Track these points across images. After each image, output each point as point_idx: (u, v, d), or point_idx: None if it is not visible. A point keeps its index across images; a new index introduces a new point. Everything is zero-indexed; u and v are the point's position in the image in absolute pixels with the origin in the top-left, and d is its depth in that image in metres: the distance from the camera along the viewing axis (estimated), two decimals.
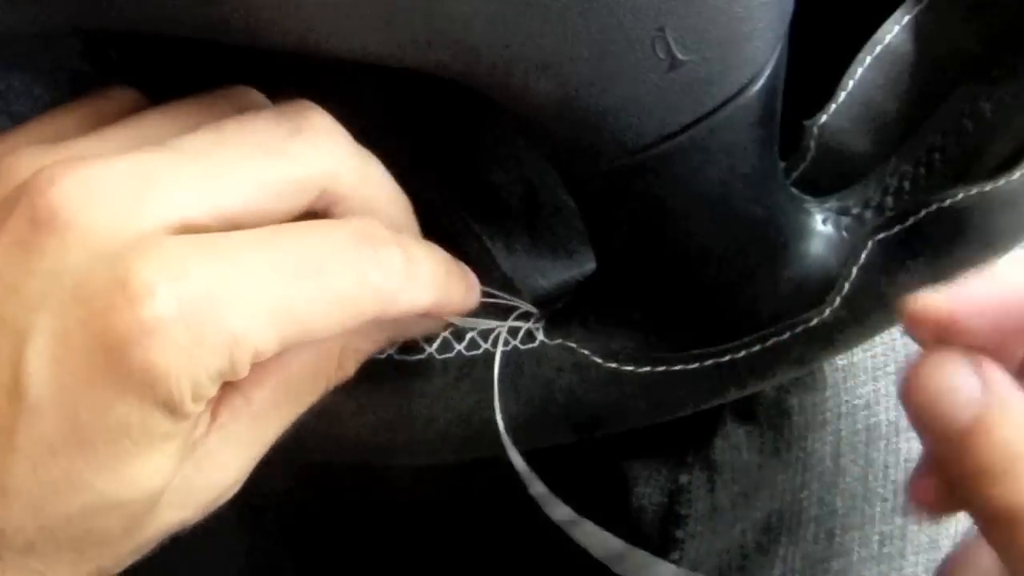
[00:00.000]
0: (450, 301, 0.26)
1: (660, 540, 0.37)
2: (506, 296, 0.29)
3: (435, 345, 0.28)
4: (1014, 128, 0.26)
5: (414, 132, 0.30)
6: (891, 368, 0.36)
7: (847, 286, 0.27)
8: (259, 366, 0.22)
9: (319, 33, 0.22)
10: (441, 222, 0.28)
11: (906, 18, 0.28)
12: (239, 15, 0.21)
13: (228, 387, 0.23)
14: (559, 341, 0.29)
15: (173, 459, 0.21)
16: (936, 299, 0.19)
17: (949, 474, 0.20)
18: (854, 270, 0.27)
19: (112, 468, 0.20)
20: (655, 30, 0.23)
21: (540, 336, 0.29)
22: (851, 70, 0.28)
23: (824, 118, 0.28)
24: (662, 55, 0.23)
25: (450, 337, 0.29)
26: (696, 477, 0.37)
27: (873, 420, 0.36)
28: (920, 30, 0.28)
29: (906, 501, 0.21)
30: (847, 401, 0.36)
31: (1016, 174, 0.25)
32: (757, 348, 0.28)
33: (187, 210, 0.21)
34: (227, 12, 0.21)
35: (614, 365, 0.29)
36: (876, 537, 0.36)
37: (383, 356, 0.28)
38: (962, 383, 0.19)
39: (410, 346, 0.28)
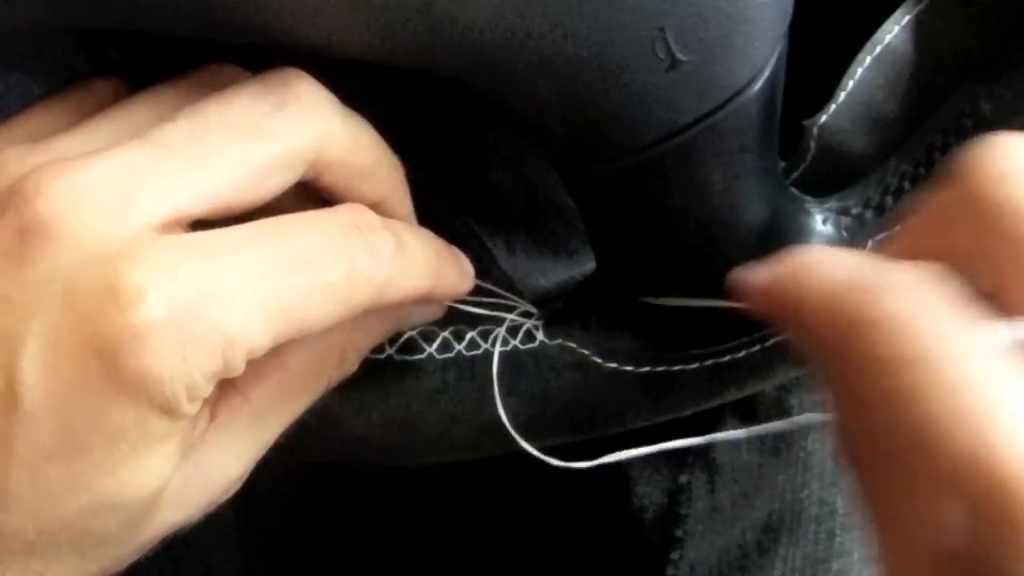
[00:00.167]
0: (444, 285, 0.26)
1: (660, 540, 0.37)
2: (506, 295, 0.29)
3: (435, 345, 0.29)
4: (1014, 128, 0.26)
5: (414, 132, 0.30)
6: None
7: None
8: (258, 364, 0.22)
9: (320, 33, 0.22)
10: (441, 222, 0.28)
11: (906, 18, 0.28)
12: (239, 14, 0.21)
13: (227, 386, 0.23)
14: (559, 341, 0.29)
15: (171, 459, 0.21)
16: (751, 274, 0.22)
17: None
18: None
19: (110, 471, 0.20)
20: (655, 30, 0.23)
21: (540, 336, 0.29)
22: (851, 70, 0.28)
23: (824, 118, 0.28)
24: (662, 55, 0.23)
25: (450, 337, 0.29)
26: (696, 477, 0.37)
27: None
28: (920, 30, 0.28)
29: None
30: None
31: None
32: (757, 348, 0.28)
33: (175, 204, 0.21)
34: (227, 11, 0.21)
35: (614, 365, 0.29)
36: None
37: (383, 356, 0.28)
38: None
39: (410, 346, 0.28)
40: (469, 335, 0.29)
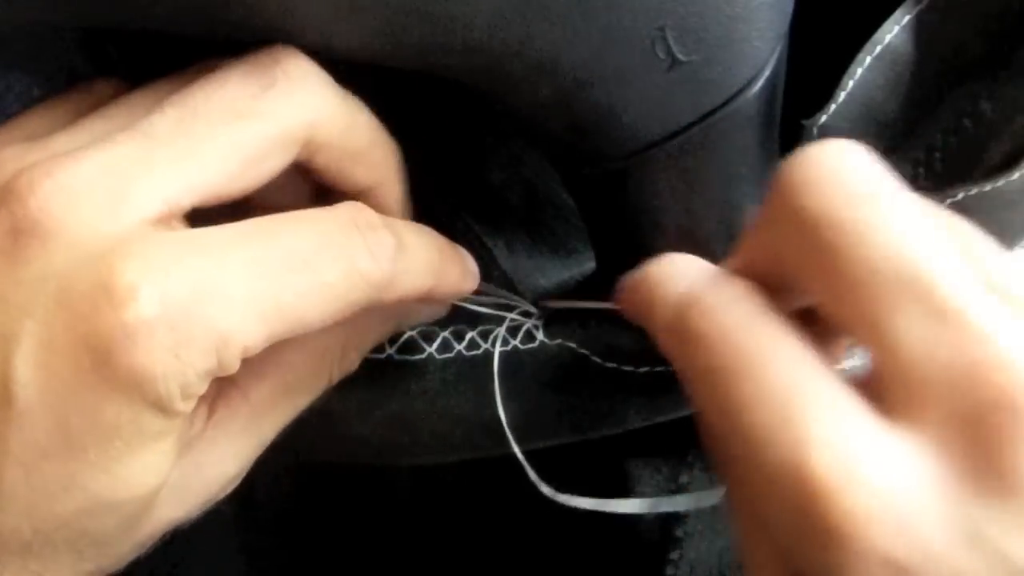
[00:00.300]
0: (446, 285, 0.26)
1: (660, 539, 0.37)
2: (506, 295, 0.29)
3: (435, 345, 0.29)
4: (1014, 128, 0.26)
5: (414, 132, 0.30)
6: None
7: None
8: (257, 362, 0.21)
9: (319, 33, 0.22)
10: (441, 222, 0.28)
11: (906, 18, 0.28)
12: (239, 13, 0.21)
13: (226, 382, 0.23)
14: (559, 341, 0.29)
15: (167, 457, 0.21)
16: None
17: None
18: None
19: (105, 470, 0.20)
20: (655, 30, 0.23)
21: (540, 336, 0.29)
22: (851, 70, 0.28)
23: (824, 118, 0.28)
24: (662, 55, 0.23)
25: (450, 337, 0.29)
26: (696, 476, 0.37)
27: None
28: (920, 30, 0.28)
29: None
30: None
31: (1016, 174, 0.25)
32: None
33: (166, 197, 0.21)
34: (227, 10, 0.21)
35: (614, 365, 0.29)
36: None
37: (383, 356, 0.28)
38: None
39: (410, 346, 0.28)
40: (469, 335, 0.29)
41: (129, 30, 0.23)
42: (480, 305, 0.29)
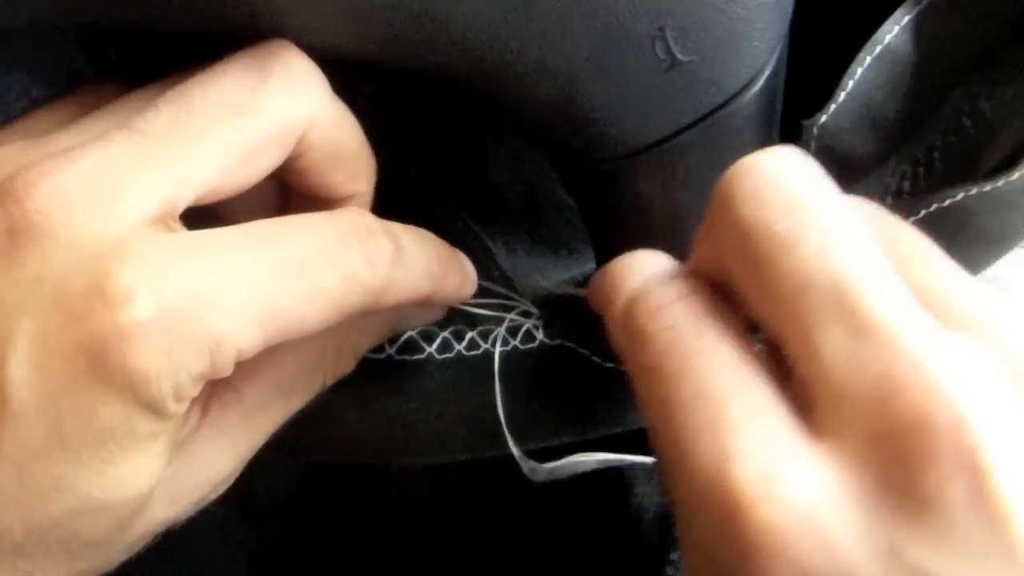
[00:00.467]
0: (444, 290, 0.26)
1: (660, 539, 0.37)
2: (507, 292, 0.29)
3: (435, 345, 0.28)
4: (1014, 128, 0.26)
5: (414, 132, 0.30)
6: None
7: None
8: (252, 362, 0.21)
9: (320, 32, 0.22)
10: (441, 222, 0.28)
11: (906, 18, 0.28)
12: (240, 13, 0.21)
13: (219, 383, 0.23)
14: (559, 341, 0.29)
15: (160, 459, 0.21)
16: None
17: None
18: None
19: (98, 471, 0.20)
20: (655, 30, 0.23)
21: (540, 336, 0.29)
22: (851, 70, 0.28)
23: (824, 118, 0.28)
24: (662, 55, 0.23)
25: (450, 337, 0.29)
26: None
27: None
28: (920, 30, 0.28)
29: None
30: None
31: (1016, 174, 0.25)
32: (756, 348, 0.28)
33: (162, 196, 0.21)
34: (228, 10, 0.21)
35: (614, 365, 0.29)
36: None
37: (383, 356, 0.28)
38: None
39: (410, 346, 0.28)
40: (469, 335, 0.29)
41: (129, 30, 0.23)
42: (480, 307, 0.29)
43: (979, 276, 0.28)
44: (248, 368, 0.23)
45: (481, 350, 0.29)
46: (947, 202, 0.26)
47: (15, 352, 0.19)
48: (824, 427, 0.18)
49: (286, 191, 0.26)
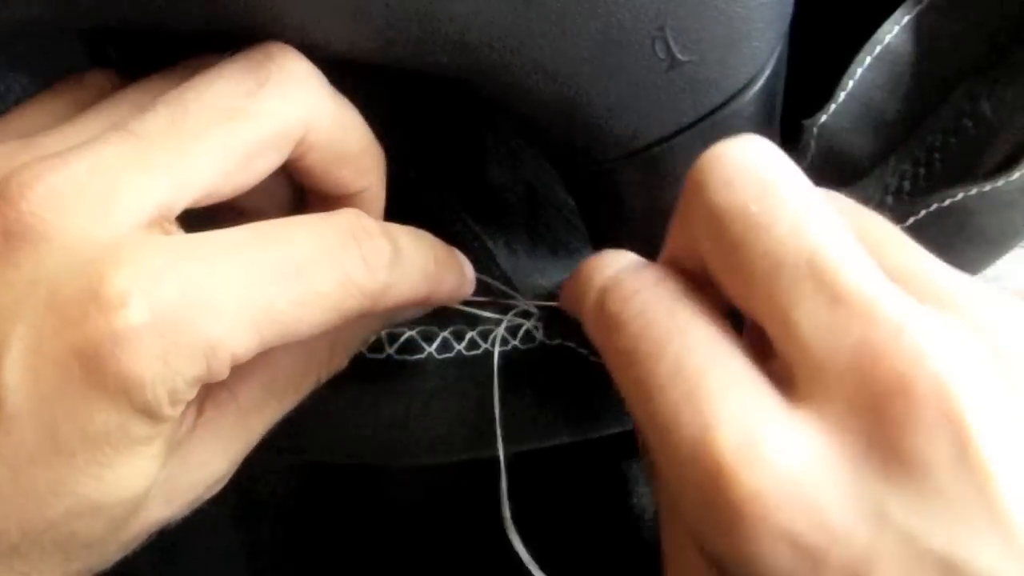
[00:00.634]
0: (442, 291, 0.25)
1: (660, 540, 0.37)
2: (507, 294, 0.29)
3: (435, 345, 0.28)
4: (1014, 128, 0.26)
5: (414, 132, 0.30)
6: None
7: None
8: (246, 363, 0.21)
9: (319, 32, 0.22)
10: (441, 222, 0.28)
11: (906, 18, 0.28)
12: (239, 12, 0.21)
13: (214, 383, 0.23)
14: (559, 341, 0.29)
15: (155, 461, 0.21)
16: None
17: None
18: None
19: (93, 474, 0.20)
20: (655, 30, 0.23)
21: (540, 336, 0.29)
22: (851, 70, 0.28)
23: (824, 118, 0.28)
24: (662, 55, 0.23)
25: (450, 337, 0.29)
26: None
27: None
28: (920, 30, 0.28)
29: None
30: None
31: (1016, 174, 0.25)
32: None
33: (158, 199, 0.21)
34: (228, 9, 0.21)
35: None
36: None
37: (383, 356, 0.28)
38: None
39: (410, 346, 0.28)
40: (469, 335, 0.29)
41: (129, 30, 0.23)
42: (479, 307, 0.29)
43: (979, 276, 0.28)
44: (243, 369, 0.23)
45: (481, 350, 0.29)
46: (947, 202, 0.26)
47: (10, 356, 0.19)
48: (805, 395, 0.18)
49: (301, 188, 0.25)
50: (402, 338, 0.28)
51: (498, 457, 0.28)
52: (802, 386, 0.18)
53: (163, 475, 0.22)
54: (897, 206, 0.28)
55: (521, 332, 0.29)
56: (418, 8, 0.21)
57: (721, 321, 0.20)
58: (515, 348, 0.29)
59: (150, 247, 0.20)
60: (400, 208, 0.27)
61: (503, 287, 0.29)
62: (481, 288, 0.28)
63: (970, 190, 0.25)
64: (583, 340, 0.29)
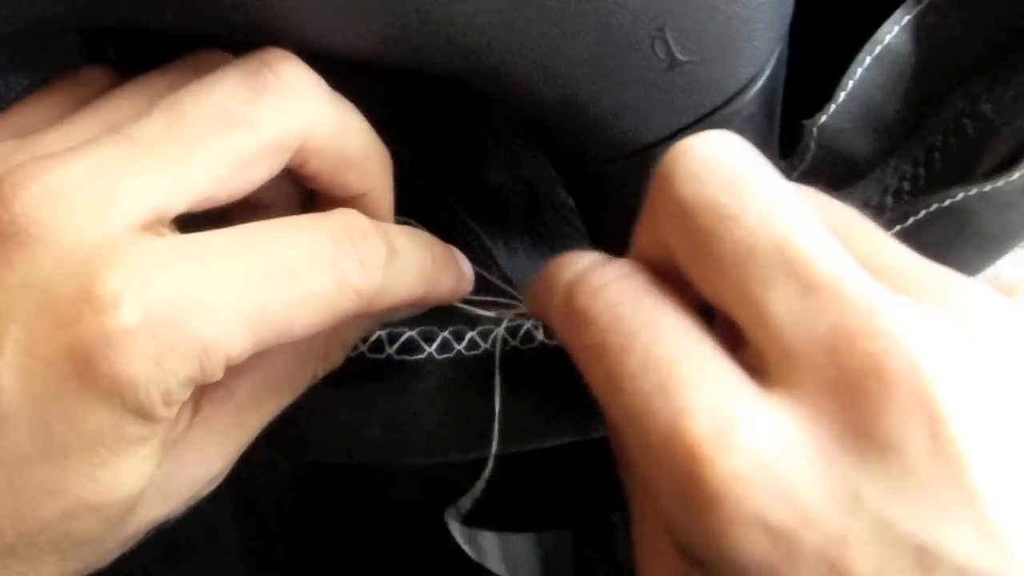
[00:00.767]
0: (439, 291, 0.25)
1: None
2: (507, 293, 0.29)
3: (435, 345, 0.28)
4: (1014, 128, 0.26)
5: (414, 132, 0.30)
6: None
7: None
8: (242, 361, 0.21)
9: (319, 32, 0.22)
10: (441, 222, 0.28)
11: (906, 18, 0.28)
12: (239, 12, 0.21)
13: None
14: (559, 341, 0.29)
15: (150, 460, 0.21)
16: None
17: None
18: None
19: (88, 475, 0.20)
20: (655, 30, 0.23)
21: (540, 336, 0.29)
22: (851, 70, 0.28)
23: (824, 118, 0.28)
24: (662, 55, 0.23)
25: (450, 337, 0.29)
26: None
27: None
28: (920, 30, 0.28)
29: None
30: None
31: (1016, 174, 0.25)
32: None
33: (153, 203, 0.20)
34: (227, 9, 0.21)
35: None
36: None
37: (383, 356, 0.28)
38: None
39: (410, 346, 0.28)
40: (469, 335, 0.29)
41: (129, 30, 0.23)
42: (479, 307, 0.29)
43: (979, 276, 0.28)
44: (238, 366, 0.23)
45: (481, 350, 0.29)
46: (947, 202, 0.26)
47: (3, 357, 0.19)
48: (778, 381, 0.18)
49: (310, 188, 0.25)
50: (402, 338, 0.28)
51: (497, 457, 0.28)
52: (775, 372, 0.18)
53: (159, 473, 0.22)
54: (897, 206, 0.28)
55: (521, 332, 0.29)
56: (418, 8, 0.21)
57: (691, 312, 0.20)
58: (515, 348, 0.29)
59: (143, 248, 0.20)
60: (400, 208, 0.27)
61: (504, 286, 0.29)
62: (481, 285, 0.28)
63: (970, 190, 0.25)
64: None
